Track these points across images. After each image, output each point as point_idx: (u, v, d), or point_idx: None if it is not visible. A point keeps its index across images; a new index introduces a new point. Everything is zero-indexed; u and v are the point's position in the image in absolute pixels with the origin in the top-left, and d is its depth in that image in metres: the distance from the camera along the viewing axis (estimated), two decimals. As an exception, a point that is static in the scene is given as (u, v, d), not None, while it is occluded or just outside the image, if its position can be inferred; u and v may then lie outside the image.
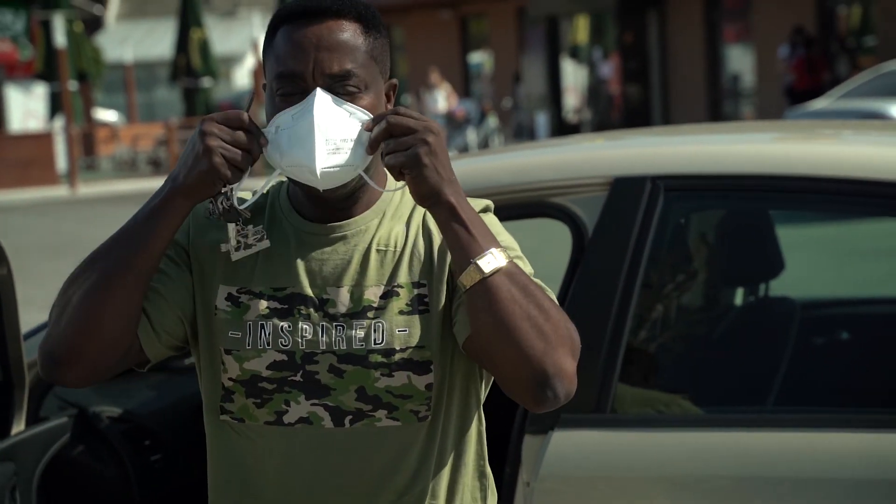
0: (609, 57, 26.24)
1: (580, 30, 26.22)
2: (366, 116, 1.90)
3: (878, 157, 2.82)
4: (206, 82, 27.58)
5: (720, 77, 23.99)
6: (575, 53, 26.57)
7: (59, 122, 24.81)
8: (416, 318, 1.94)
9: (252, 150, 1.87)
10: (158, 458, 3.27)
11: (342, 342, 1.93)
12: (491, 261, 1.84)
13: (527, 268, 1.96)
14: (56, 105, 24.14)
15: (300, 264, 1.96)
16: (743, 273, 3.54)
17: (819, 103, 15.14)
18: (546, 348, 1.82)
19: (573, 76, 27.40)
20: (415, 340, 1.93)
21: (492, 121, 23.93)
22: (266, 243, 1.95)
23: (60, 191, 23.15)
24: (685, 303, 3.36)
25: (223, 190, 1.88)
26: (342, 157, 1.87)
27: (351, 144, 1.88)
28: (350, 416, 1.94)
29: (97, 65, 28.20)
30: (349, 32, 1.92)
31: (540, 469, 2.67)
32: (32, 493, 2.92)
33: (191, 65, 27.08)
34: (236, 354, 1.94)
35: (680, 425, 2.77)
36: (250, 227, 1.95)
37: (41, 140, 24.64)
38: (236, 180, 1.87)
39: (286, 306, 1.94)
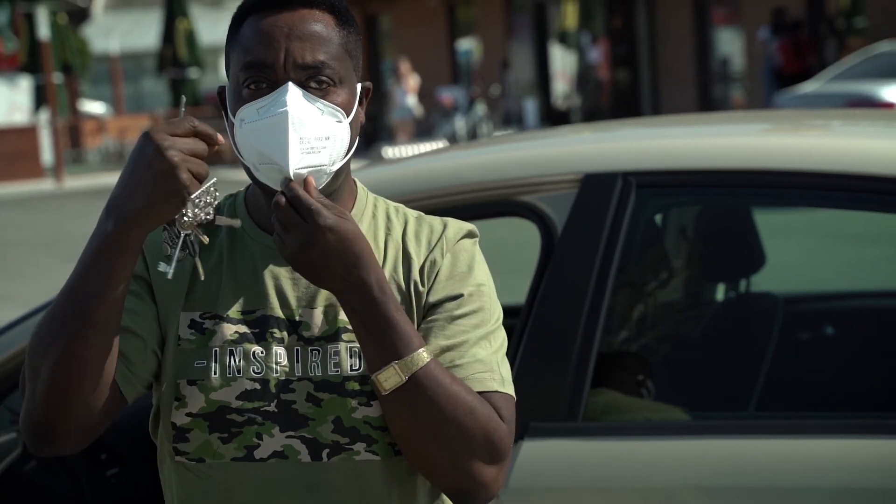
0: (598, 42, 26.14)
1: (568, 15, 26.08)
2: (339, 114, 1.78)
3: (859, 149, 2.72)
4: (193, 73, 27.48)
5: (709, 61, 23.89)
6: (563, 39, 26.43)
7: (44, 115, 24.68)
8: None
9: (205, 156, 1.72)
10: (115, 472, 3.16)
11: (318, 368, 1.80)
12: (389, 377, 1.73)
13: (494, 307, 1.87)
14: (41, 98, 24.02)
15: (269, 284, 1.82)
16: (722, 270, 3.44)
17: (808, 86, 15.05)
18: (455, 463, 1.75)
19: (562, 62, 27.30)
20: None
21: (480, 108, 23.83)
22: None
23: (46, 184, 23.03)
24: (661, 303, 3.25)
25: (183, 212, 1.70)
26: (315, 159, 1.75)
27: (325, 144, 1.76)
28: (327, 450, 1.80)
29: (84, 56, 28.06)
30: (322, 24, 1.80)
31: (509, 480, 2.57)
32: (-21, 512, 2.81)
33: (177, 55, 26.99)
34: (202, 385, 1.79)
35: (655, 433, 2.66)
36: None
37: (26, 133, 24.52)
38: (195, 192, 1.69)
39: (258, 330, 1.80)
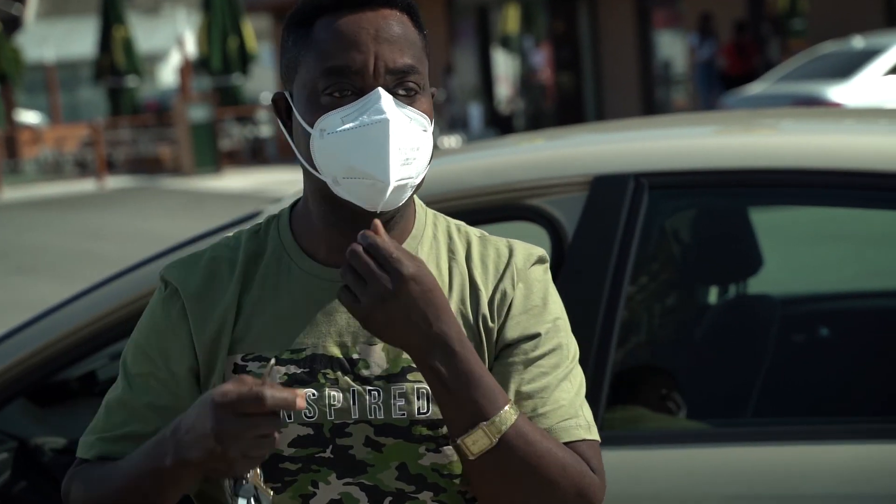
0: (540, 46, 26.18)
1: (510, 19, 26.09)
2: (426, 122, 1.64)
3: (878, 147, 2.66)
4: (130, 81, 27.17)
5: (652, 64, 24.01)
6: (506, 43, 26.45)
7: (-20, 126, 24.29)
8: None
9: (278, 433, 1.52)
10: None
11: (379, 410, 1.65)
12: (478, 440, 1.58)
13: (570, 342, 1.73)
14: (-23, 108, 23.62)
15: (320, 319, 1.67)
16: (736, 273, 3.36)
17: (755, 88, 15.13)
18: None
19: (505, 66, 27.30)
20: None
21: (425, 113, 23.75)
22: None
23: (-16, 196, 22.66)
24: (679, 309, 3.18)
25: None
26: (409, 171, 1.62)
27: (416, 156, 1.62)
28: (389, 498, 1.66)
29: (17, 65, 27.61)
30: (403, 25, 1.66)
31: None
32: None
33: (115, 63, 26.67)
34: None
35: (676, 442, 2.58)
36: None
37: (-37, 144, 24.10)
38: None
39: (307, 370, 1.65)
